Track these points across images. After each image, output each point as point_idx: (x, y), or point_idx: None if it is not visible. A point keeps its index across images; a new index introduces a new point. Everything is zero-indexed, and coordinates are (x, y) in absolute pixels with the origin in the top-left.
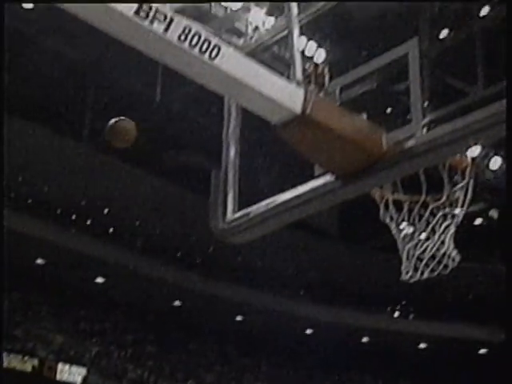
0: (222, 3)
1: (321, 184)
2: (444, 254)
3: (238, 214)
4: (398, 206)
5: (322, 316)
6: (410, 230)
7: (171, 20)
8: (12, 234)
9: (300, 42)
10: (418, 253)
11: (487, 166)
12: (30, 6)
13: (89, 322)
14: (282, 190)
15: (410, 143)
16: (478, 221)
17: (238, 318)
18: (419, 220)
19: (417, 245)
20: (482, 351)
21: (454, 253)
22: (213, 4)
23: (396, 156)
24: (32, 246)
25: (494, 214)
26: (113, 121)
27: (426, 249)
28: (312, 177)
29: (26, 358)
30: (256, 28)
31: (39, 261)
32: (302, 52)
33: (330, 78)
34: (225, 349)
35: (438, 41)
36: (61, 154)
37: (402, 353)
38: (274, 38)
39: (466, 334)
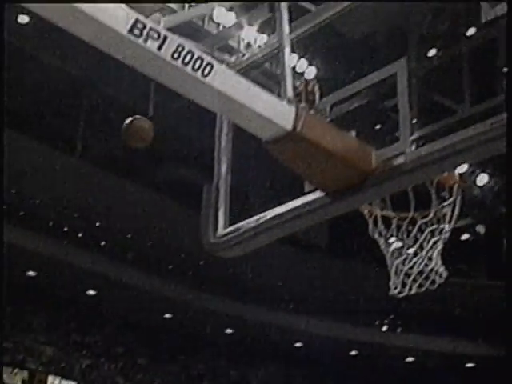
0: (216, 20)
1: (311, 200)
2: (432, 269)
3: (228, 229)
4: (387, 222)
5: (312, 329)
6: (399, 245)
7: (165, 38)
8: (3, 246)
9: (291, 59)
10: (406, 268)
11: (474, 182)
12: (24, 20)
13: (79, 334)
14: (273, 206)
15: (399, 161)
16: (465, 236)
17: (229, 331)
18: (407, 236)
19: (405, 260)
20: (469, 365)
21: (442, 269)
22: (205, 21)
23: (385, 173)
24: (23, 258)
25: (480, 229)
26: (129, 120)
27: (414, 264)
28: (302, 193)
29: (15, 370)
30: (248, 45)
31: (30, 273)
32: (293, 68)
33: (321, 96)
34: (215, 361)
35: (426, 59)
36: (53, 167)
37: (389, 366)
38: (266, 56)
39: (453, 348)
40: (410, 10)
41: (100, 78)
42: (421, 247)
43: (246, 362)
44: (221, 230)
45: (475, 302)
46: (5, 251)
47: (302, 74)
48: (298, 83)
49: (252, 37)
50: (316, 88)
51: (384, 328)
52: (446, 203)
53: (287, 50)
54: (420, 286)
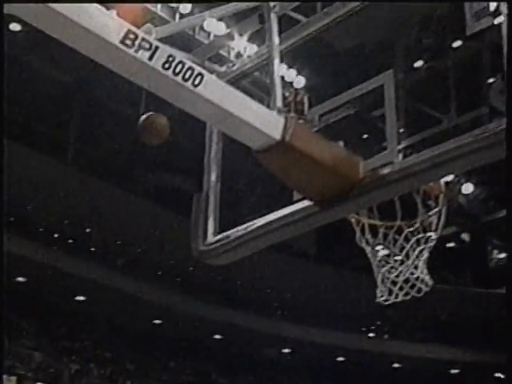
0: (206, 29)
1: (300, 208)
2: (417, 278)
3: (218, 237)
4: (374, 230)
5: (299, 335)
6: (385, 253)
7: (156, 48)
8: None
9: (281, 69)
10: (392, 276)
11: (459, 191)
12: (16, 28)
13: (68, 339)
14: (262, 214)
15: (386, 170)
16: (451, 244)
17: (217, 337)
18: (394, 244)
19: (391, 268)
20: (454, 371)
21: (427, 277)
22: (196, 30)
23: (372, 183)
24: (13, 264)
25: (465, 237)
26: (145, 116)
27: (400, 273)
28: (291, 201)
29: (4, 376)
30: (238, 54)
31: (19, 278)
32: (282, 78)
33: (310, 106)
34: (204, 367)
35: (413, 71)
36: (44, 174)
37: (376, 372)
38: (256, 66)
39: (439, 354)
40: (397, 22)
41: (91, 86)
42: (407, 256)
43: (235, 368)
44: (210, 238)
45: (460, 309)
46: None
47: (291, 83)
48: (287, 93)
49: (242, 46)
50: (305, 98)
51: (371, 334)
52: (432, 212)
53: (277, 60)
54: (406, 293)
